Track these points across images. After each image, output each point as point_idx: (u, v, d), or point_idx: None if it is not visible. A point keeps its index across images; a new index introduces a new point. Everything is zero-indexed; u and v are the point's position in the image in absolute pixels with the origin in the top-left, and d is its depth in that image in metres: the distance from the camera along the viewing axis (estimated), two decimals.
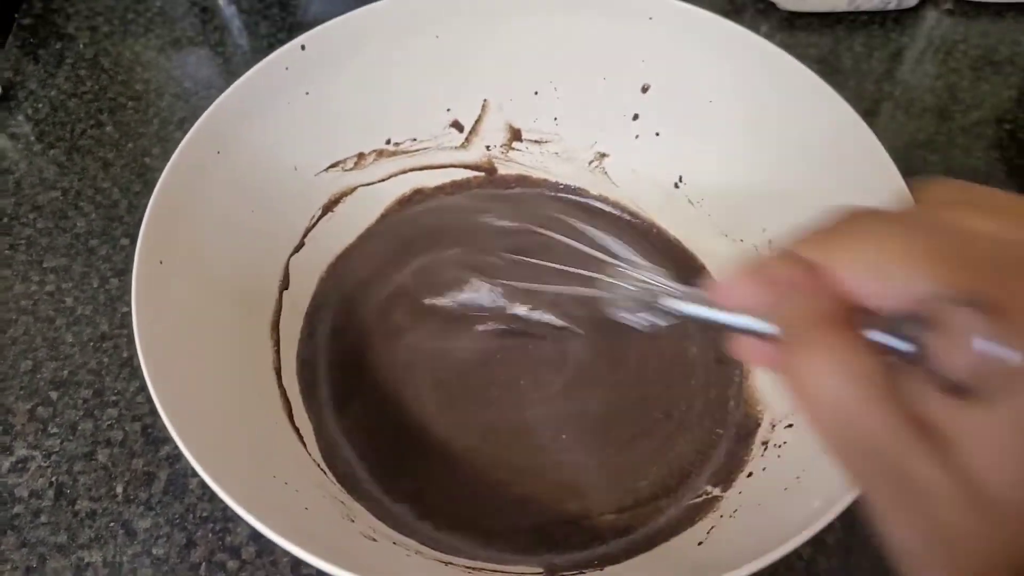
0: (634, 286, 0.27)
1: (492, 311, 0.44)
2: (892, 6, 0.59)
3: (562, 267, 0.40)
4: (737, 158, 0.44)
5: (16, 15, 0.60)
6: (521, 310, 0.43)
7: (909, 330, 0.19)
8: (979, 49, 0.59)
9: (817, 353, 0.20)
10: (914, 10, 0.60)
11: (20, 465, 0.41)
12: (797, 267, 0.21)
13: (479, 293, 0.43)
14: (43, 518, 0.39)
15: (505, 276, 0.44)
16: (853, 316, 0.20)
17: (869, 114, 0.52)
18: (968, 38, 0.59)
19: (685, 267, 0.47)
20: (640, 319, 0.26)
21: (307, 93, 0.43)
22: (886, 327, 0.20)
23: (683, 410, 0.42)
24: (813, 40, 0.59)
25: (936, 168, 0.52)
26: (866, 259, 0.20)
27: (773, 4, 0.60)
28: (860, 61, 0.58)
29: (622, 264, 0.28)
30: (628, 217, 0.49)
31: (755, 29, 0.56)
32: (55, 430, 0.42)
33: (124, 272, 0.47)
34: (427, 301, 0.45)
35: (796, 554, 0.38)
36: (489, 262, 0.45)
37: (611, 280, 0.27)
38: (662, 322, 0.26)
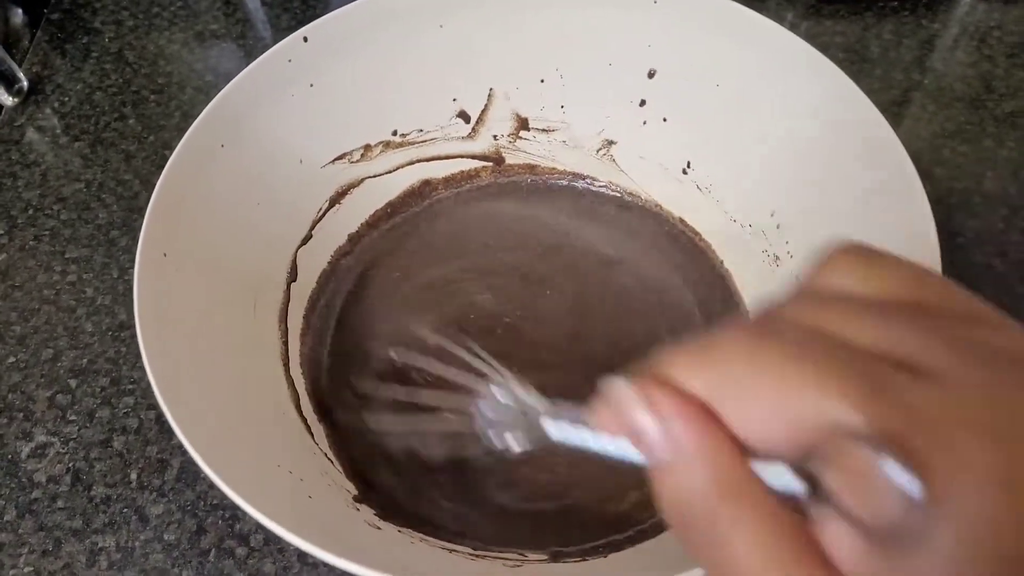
0: (511, 401, 0.23)
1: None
2: None
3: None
4: (745, 143, 0.43)
5: (45, 10, 0.62)
6: None
7: (804, 470, 0.17)
8: (1015, 36, 0.56)
9: (729, 526, 0.17)
10: None
11: (39, 451, 0.42)
12: (675, 396, 0.18)
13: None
14: (60, 503, 0.40)
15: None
16: (746, 463, 0.18)
17: (896, 103, 0.50)
18: (1004, 24, 0.57)
19: (689, 249, 0.47)
20: (505, 439, 0.24)
21: (311, 85, 0.43)
22: (776, 470, 0.18)
23: None
24: (840, 28, 0.57)
25: (967, 158, 0.50)
26: (764, 399, 0.17)
27: None
28: (889, 49, 0.56)
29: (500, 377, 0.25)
30: (635, 203, 0.49)
31: (780, 17, 0.54)
32: (73, 417, 0.43)
33: None
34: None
35: None
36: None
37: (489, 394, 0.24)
38: (527, 445, 0.23)
